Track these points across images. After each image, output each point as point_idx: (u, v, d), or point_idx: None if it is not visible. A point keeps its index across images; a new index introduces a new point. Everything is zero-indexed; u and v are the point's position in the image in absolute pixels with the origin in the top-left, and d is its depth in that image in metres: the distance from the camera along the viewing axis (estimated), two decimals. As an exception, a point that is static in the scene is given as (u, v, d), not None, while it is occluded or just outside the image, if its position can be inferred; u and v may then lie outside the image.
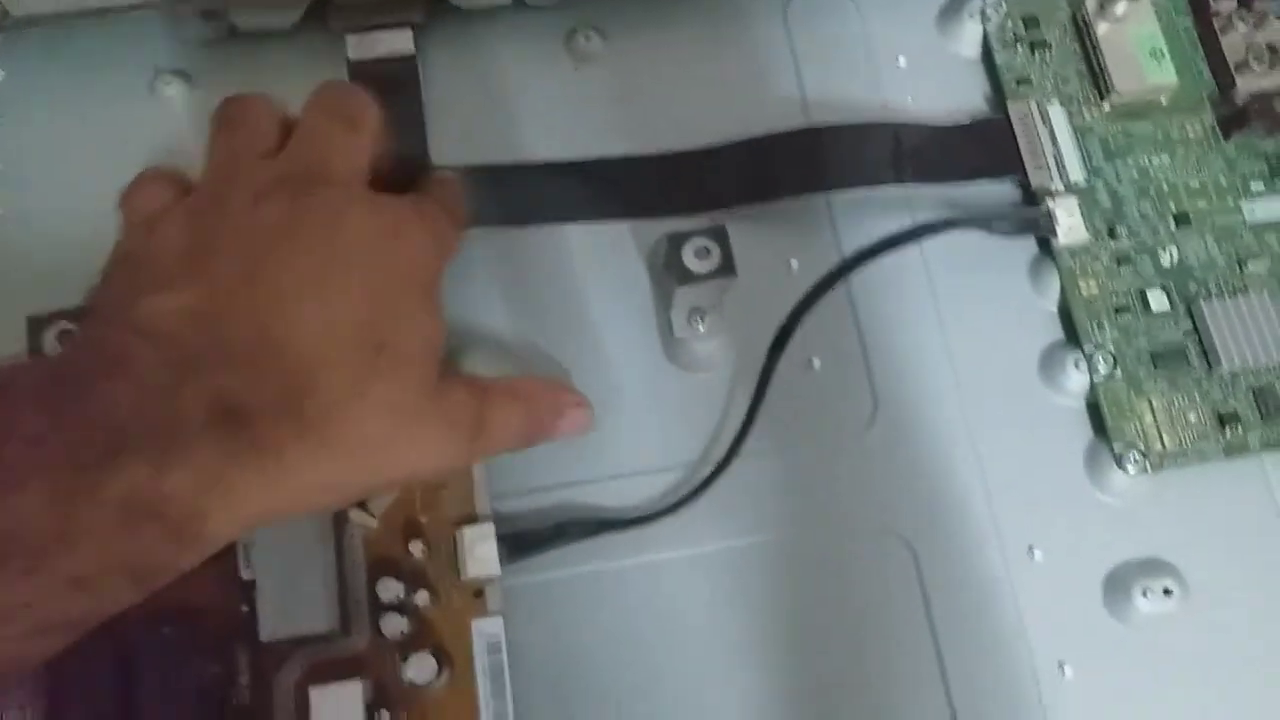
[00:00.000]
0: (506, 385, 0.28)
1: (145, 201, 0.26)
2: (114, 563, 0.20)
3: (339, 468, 0.23)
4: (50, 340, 0.29)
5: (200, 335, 0.22)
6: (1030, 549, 0.32)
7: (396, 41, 0.35)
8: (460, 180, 0.31)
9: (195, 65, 0.36)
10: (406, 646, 0.29)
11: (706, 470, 0.32)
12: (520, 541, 0.30)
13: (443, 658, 0.29)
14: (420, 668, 0.28)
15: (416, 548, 0.30)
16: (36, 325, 0.29)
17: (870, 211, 0.36)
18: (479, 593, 0.30)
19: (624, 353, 0.34)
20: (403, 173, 0.30)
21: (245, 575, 0.29)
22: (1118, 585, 0.32)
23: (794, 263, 0.35)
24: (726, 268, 0.32)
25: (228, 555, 0.29)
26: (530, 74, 0.37)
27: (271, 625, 0.28)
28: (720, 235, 0.32)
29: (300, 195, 0.24)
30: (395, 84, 0.35)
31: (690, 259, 0.32)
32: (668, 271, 0.32)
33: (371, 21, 0.35)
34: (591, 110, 0.37)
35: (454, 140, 0.35)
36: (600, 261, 0.35)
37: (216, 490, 0.21)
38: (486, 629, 0.29)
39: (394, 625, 0.29)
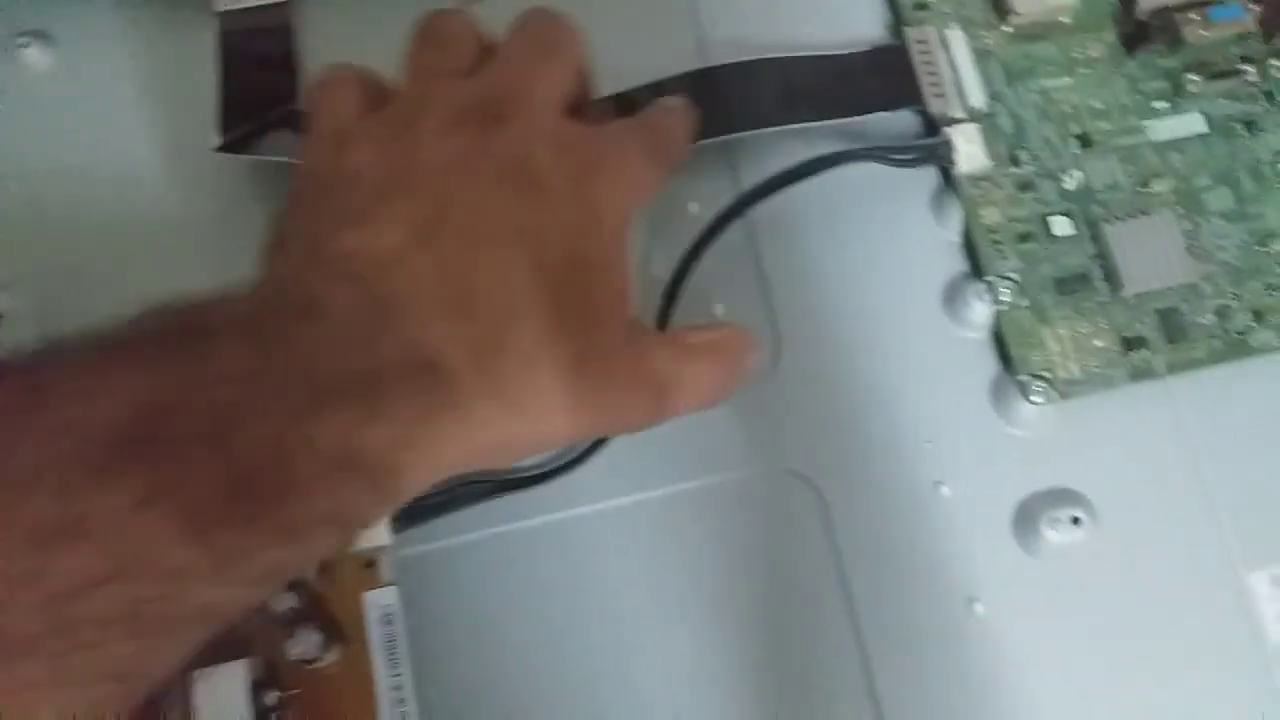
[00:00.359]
0: (707, 341, 0.26)
1: (338, 108, 0.25)
2: (323, 513, 0.20)
3: (522, 428, 0.23)
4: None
5: (396, 280, 0.21)
6: (937, 485, 0.32)
7: (265, -8, 0.34)
8: (684, 110, 0.29)
9: (56, 26, 0.34)
10: (295, 623, 0.28)
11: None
12: (412, 509, 0.29)
13: (332, 631, 0.28)
14: (305, 643, 0.27)
15: (302, 519, 0.28)
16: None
17: (770, 148, 0.34)
18: (370, 563, 0.29)
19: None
20: (610, 106, 0.28)
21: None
22: (1026, 518, 0.31)
23: (693, 206, 0.34)
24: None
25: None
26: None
27: (151, 608, 0.27)
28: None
29: (491, 126, 0.23)
30: (267, 35, 0.33)
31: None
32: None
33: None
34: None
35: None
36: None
37: (414, 445, 0.21)
38: (379, 600, 0.28)
39: (281, 601, 0.28)
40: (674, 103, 0.29)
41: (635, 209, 0.25)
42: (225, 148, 0.31)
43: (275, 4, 0.34)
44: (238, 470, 0.19)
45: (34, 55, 0.34)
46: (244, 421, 0.19)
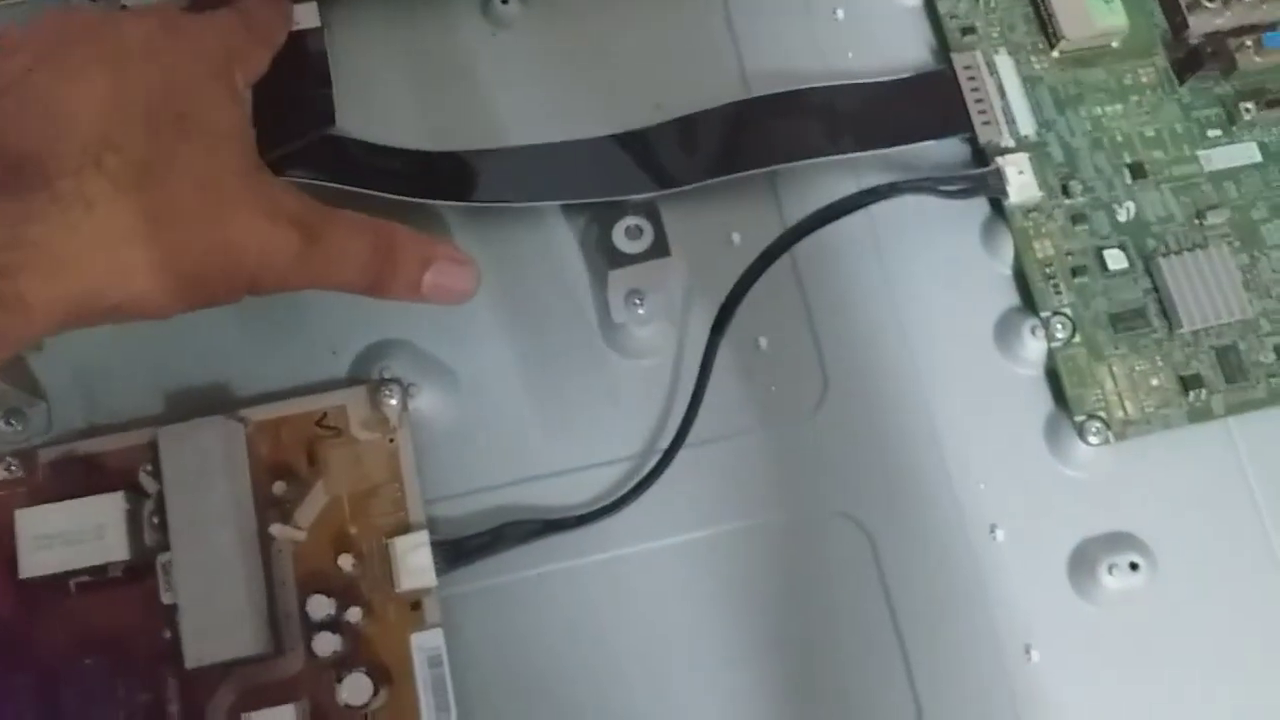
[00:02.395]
0: (357, 215, 0.28)
1: None
2: None
3: (156, 239, 0.24)
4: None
5: None
6: (992, 528, 0.31)
7: (302, 14, 0.33)
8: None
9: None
10: (341, 665, 0.27)
11: (653, 461, 0.30)
12: (458, 549, 0.29)
13: (380, 675, 0.27)
14: (355, 689, 0.26)
15: (346, 561, 0.28)
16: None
17: (814, 177, 0.34)
18: (416, 605, 0.28)
19: (563, 341, 0.32)
20: None
21: (165, 599, 0.27)
22: (1083, 562, 0.31)
23: (736, 237, 0.33)
24: (659, 248, 0.30)
25: (149, 579, 0.27)
26: (445, 42, 0.35)
27: (195, 650, 0.26)
28: (652, 213, 0.30)
29: (70, 15, 0.26)
30: (301, 55, 0.33)
31: (621, 239, 0.30)
32: (599, 254, 0.31)
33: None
34: (512, 79, 0.35)
35: (367, 115, 0.33)
36: (535, 246, 0.33)
37: (19, 247, 0.22)
38: (426, 643, 0.28)
39: (326, 644, 0.27)
40: None
41: (236, 63, 0.28)
42: (271, 168, 0.31)
43: (309, 29, 0.33)
44: None
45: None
46: None
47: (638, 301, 0.31)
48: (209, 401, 0.31)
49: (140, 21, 0.26)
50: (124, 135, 0.24)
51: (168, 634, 0.27)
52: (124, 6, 0.32)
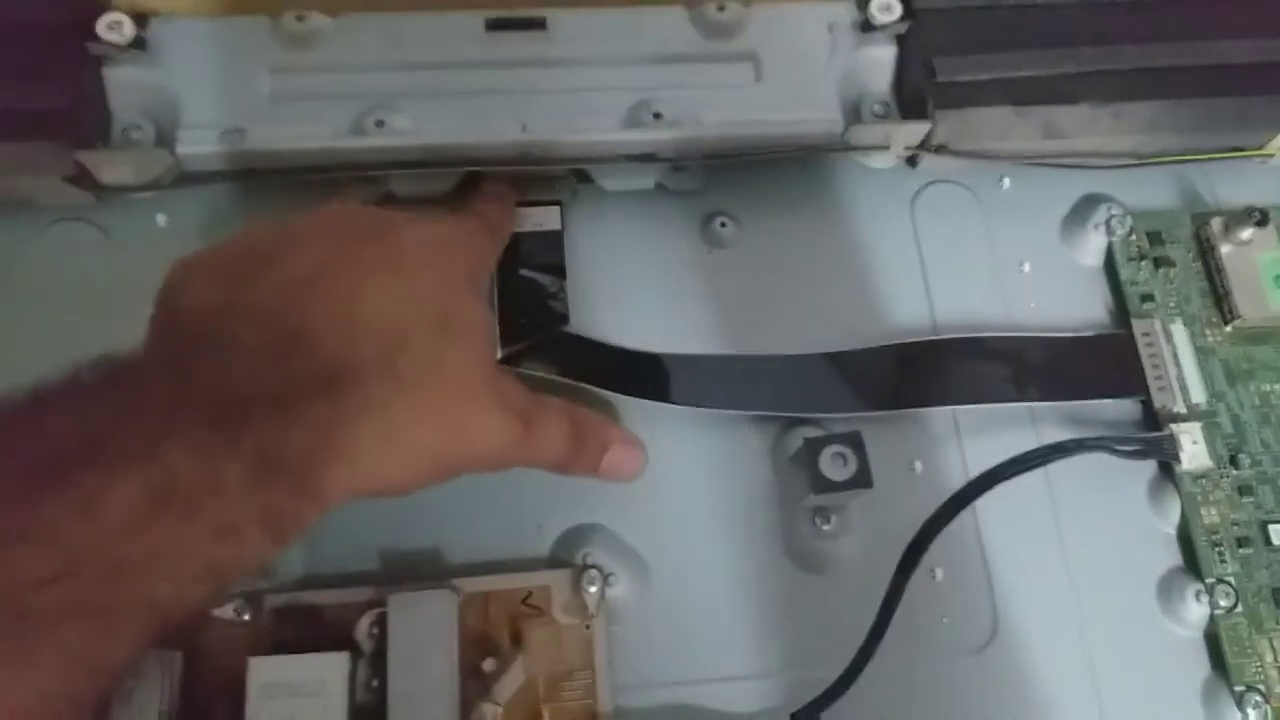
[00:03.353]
0: (558, 401, 0.31)
1: None
2: (251, 513, 0.23)
3: (432, 429, 0.26)
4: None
5: (297, 315, 0.25)
6: (1149, 786, 0.32)
7: (545, 217, 0.37)
8: (506, 194, 0.36)
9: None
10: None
11: (829, 675, 0.31)
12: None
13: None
14: None
15: (543, 743, 0.29)
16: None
17: (993, 418, 0.36)
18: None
19: (745, 549, 0.34)
20: None
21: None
22: (1230, 830, 0.31)
23: (918, 465, 0.35)
24: (862, 478, 0.32)
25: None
26: (666, 255, 0.38)
27: (400, 819, 0.28)
28: (857, 444, 0.32)
29: (355, 212, 0.29)
30: (543, 256, 0.36)
31: (828, 466, 0.32)
32: (803, 477, 0.33)
33: (521, 196, 0.36)
34: (722, 294, 0.37)
35: (594, 314, 0.36)
36: (726, 451, 0.35)
37: (334, 446, 0.24)
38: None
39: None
40: (494, 188, 0.36)
41: (486, 265, 0.33)
42: (504, 360, 0.33)
43: (551, 231, 0.36)
44: (167, 476, 0.21)
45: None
46: (169, 436, 0.22)
47: (825, 519, 0.33)
48: (420, 565, 0.33)
49: (414, 226, 0.29)
50: (411, 338, 0.26)
51: (376, 797, 0.28)
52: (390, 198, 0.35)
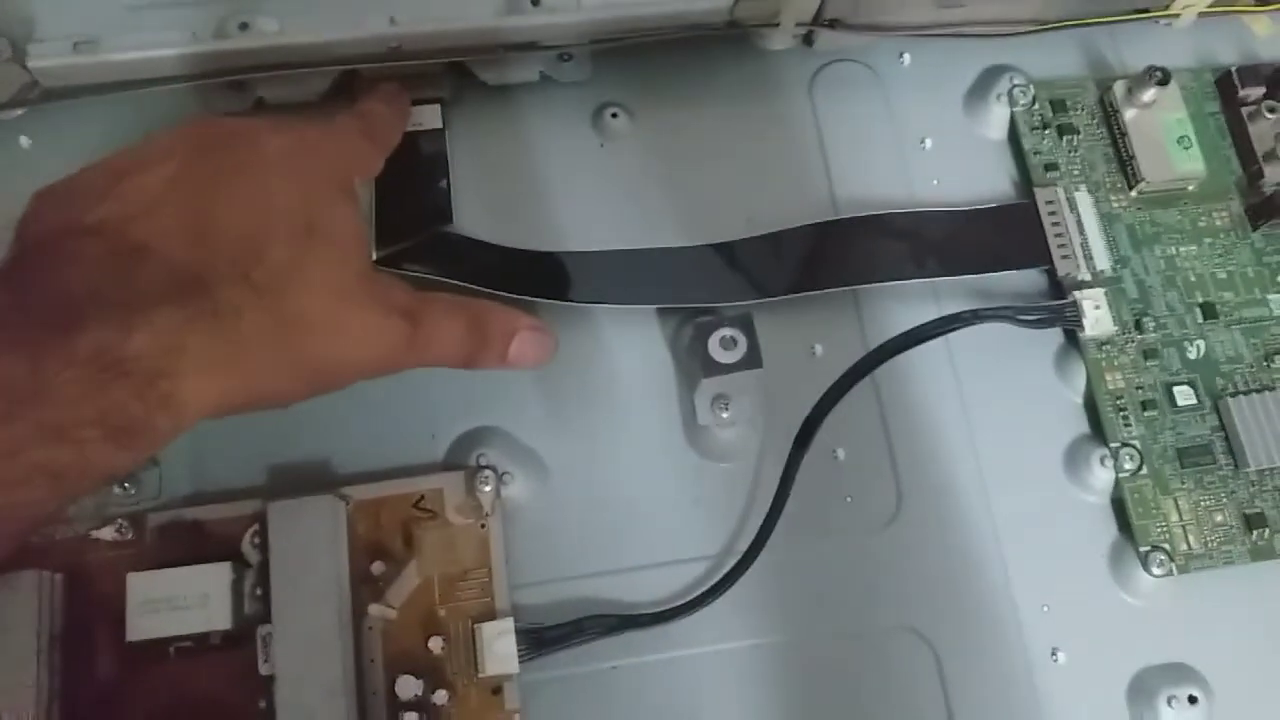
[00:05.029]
0: (450, 296, 0.30)
1: None
2: (88, 416, 0.22)
3: (291, 342, 0.25)
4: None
5: (144, 228, 0.24)
6: (1054, 651, 0.32)
7: (425, 116, 0.35)
8: (395, 95, 0.34)
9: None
10: (426, 749, 0.28)
11: (729, 563, 0.31)
12: (539, 638, 0.30)
13: (461, 759, 0.28)
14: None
15: (436, 644, 0.29)
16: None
17: (895, 297, 0.35)
18: (497, 690, 0.29)
19: (647, 439, 0.33)
20: None
21: (264, 670, 0.28)
22: (1142, 692, 0.31)
23: (818, 348, 0.35)
24: (752, 359, 0.32)
25: (245, 648, 0.29)
26: (556, 149, 0.37)
27: (289, 723, 0.27)
28: (747, 325, 0.32)
29: (214, 124, 0.28)
30: (423, 155, 0.35)
31: (716, 349, 0.31)
32: (693, 361, 0.32)
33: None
34: (616, 187, 0.36)
35: (481, 212, 0.35)
36: (624, 345, 0.34)
37: (181, 352, 0.23)
38: (505, 727, 0.29)
39: (412, 729, 0.28)
40: (385, 87, 0.34)
41: (359, 173, 0.31)
42: (381, 261, 0.33)
43: (431, 130, 0.35)
44: None
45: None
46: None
47: (723, 406, 0.33)
48: (310, 477, 0.32)
49: (276, 135, 0.28)
50: (267, 247, 0.25)
51: (262, 704, 0.28)
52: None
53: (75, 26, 0.33)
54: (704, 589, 0.31)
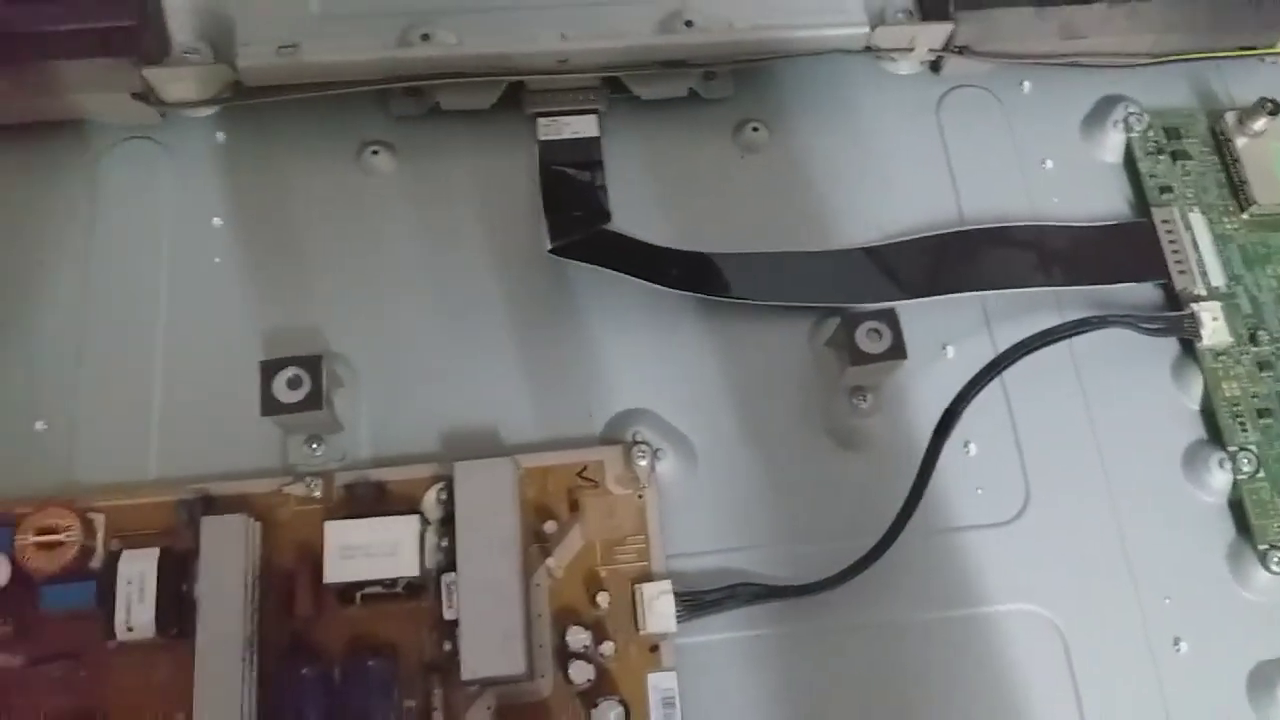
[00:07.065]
0: None
1: None
2: None
3: None
4: (280, 384, 0.31)
5: None
6: (1176, 640, 0.33)
7: (582, 125, 0.38)
8: None
9: (399, 138, 0.39)
10: (589, 694, 0.30)
11: (867, 544, 0.33)
12: (696, 601, 0.32)
13: (625, 708, 0.30)
14: (609, 715, 0.29)
15: (604, 599, 0.31)
16: (268, 369, 0.32)
17: (1020, 303, 0.37)
18: (654, 648, 0.31)
19: (787, 427, 0.36)
20: None
21: (448, 615, 0.30)
22: (1261, 682, 0.33)
23: (949, 350, 0.37)
24: (897, 350, 0.34)
25: (425, 596, 0.31)
26: (700, 159, 0.39)
27: (471, 664, 0.29)
28: (891, 319, 0.34)
29: None
30: (581, 161, 0.38)
31: (863, 340, 0.34)
32: (839, 351, 0.34)
33: (561, 107, 0.38)
34: (755, 195, 0.39)
35: (630, 213, 0.38)
36: (764, 340, 0.37)
37: None
38: (661, 683, 0.31)
39: (581, 673, 0.30)
40: None
41: None
42: (556, 251, 0.35)
43: (590, 138, 0.38)
44: None
45: (379, 162, 0.38)
46: None
47: (863, 397, 0.35)
48: (479, 446, 0.34)
49: None
50: None
51: (447, 646, 0.30)
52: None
53: (270, 32, 0.37)
54: (845, 566, 0.33)
